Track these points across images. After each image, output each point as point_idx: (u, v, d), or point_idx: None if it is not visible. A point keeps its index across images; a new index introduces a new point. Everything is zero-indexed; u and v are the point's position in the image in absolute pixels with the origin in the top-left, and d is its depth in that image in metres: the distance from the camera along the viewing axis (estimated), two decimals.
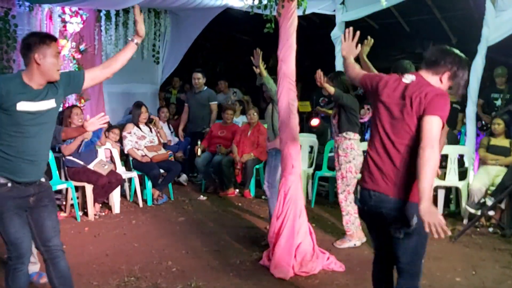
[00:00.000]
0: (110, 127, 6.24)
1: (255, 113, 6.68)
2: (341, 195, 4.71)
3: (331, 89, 4.57)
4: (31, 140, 2.73)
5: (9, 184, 2.69)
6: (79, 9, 6.56)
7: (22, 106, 2.64)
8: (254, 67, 4.69)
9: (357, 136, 4.68)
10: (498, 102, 6.88)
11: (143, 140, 6.31)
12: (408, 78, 2.53)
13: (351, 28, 3.10)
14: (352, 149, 4.64)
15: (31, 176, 2.77)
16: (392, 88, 2.56)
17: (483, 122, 6.83)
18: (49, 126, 2.82)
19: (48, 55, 2.67)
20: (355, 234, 4.73)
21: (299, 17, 4.15)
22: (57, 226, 2.88)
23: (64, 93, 2.87)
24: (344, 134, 4.66)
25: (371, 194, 2.56)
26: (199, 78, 7.28)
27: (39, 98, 2.71)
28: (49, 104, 2.75)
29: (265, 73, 4.63)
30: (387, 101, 2.56)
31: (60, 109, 3.11)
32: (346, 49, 3.06)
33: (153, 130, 6.52)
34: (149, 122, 6.59)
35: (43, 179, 2.86)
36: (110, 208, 5.82)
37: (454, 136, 6.24)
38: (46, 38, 2.71)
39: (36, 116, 2.70)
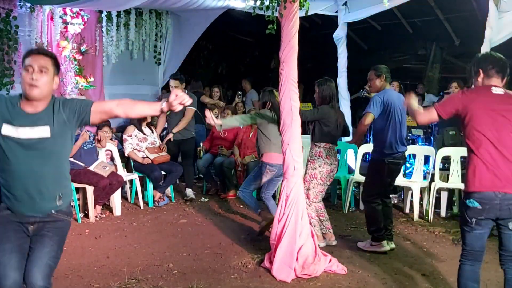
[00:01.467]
0: (99, 126, 6.06)
1: None
2: None
3: None
4: (18, 174, 2.36)
5: (7, 212, 2.42)
6: (80, 10, 6.55)
7: (6, 130, 2.32)
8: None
9: (328, 146, 4.69)
10: None
11: (145, 142, 6.28)
12: (497, 90, 2.91)
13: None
14: (320, 156, 4.67)
15: (28, 211, 2.42)
16: (489, 98, 2.90)
17: None
18: (42, 161, 2.38)
19: (22, 70, 2.36)
20: (320, 236, 4.70)
21: (301, 18, 4.15)
22: (45, 262, 2.44)
23: (68, 121, 2.43)
24: (315, 142, 4.73)
25: (496, 194, 2.84)
26: (177, 86, 6.30)
27: (28, 124, 2.34)
28: (40, 132, 2.34)
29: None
30: (486, 110, 2.87)
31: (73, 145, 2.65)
32: (407, 100, 3.33)
33: (154, 131, 6.49)
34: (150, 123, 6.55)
35: (53, 211, 2.47)
36: (111, 210, 5.79)
37: (458, 138, 6.22)
38: (26, 54, 2.41)
39: (24, 145, 2.33)
